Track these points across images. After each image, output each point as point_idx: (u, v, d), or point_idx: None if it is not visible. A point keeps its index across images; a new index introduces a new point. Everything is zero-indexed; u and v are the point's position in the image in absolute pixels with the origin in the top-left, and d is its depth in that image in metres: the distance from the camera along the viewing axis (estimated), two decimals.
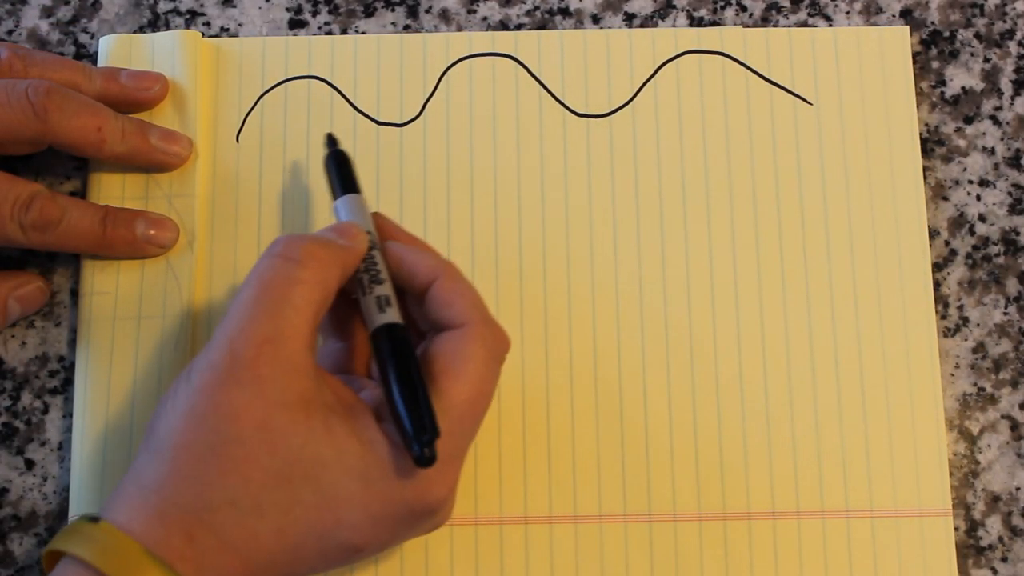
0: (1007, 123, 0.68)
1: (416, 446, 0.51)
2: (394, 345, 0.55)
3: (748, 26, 0.69)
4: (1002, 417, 0.65)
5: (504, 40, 0.69)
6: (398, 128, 0.67)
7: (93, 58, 0.69)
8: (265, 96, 0.68)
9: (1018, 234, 0.67)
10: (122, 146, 0.64)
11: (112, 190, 0.66)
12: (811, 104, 0.68)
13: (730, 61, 0.68)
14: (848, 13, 0.69)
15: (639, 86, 0.68)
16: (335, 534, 0.53)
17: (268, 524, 0.52)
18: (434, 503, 0.54)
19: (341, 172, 0.61)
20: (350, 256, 0.56)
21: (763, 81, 0.68)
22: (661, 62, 0.68)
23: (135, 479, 0.52)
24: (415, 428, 0.52)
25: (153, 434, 0.53)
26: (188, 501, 0.51)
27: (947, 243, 0.67)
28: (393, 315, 0.55)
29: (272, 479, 0.52)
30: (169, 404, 0.53)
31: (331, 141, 0.62)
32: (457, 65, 0.68)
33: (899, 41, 0.68)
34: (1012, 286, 0.66)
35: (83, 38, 0.70)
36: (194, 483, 0.51)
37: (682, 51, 0.68)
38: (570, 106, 0.68)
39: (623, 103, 0.68)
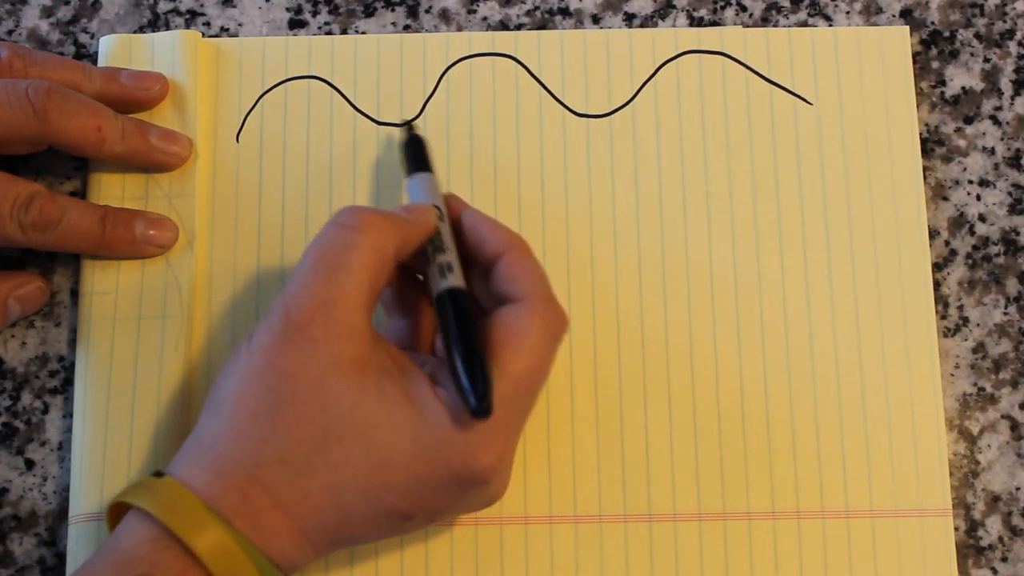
0: (1007, 123, 0.68)
1: (472, 398, 0.52)
2: (455, 306, 0.56)
3: (748, 26, 0.69)
4: (1002, 417, 0.65)
5: (504, 40, 0.69)
6: (398, 128, 0.67)
7: (93, 58, 0.69)
8: (265, 96, 0.68)
9: (1018, 234, 0.67)
10: (122, 146, 0.64)
11: (112, 190, 0.66)
12: (811, 104, 0.68)
13: (730, 61, 0.68)
14: (848, 13, 0.69)
15: (639, 86, 0.68)
16: (383, 497, 0.54)
17: (317, 483, 0.53)
18: (481, 471, 0.54)
19: (416, 153, 0.63)
20: (411, 228, 0.57)
21: (763, 81, 0.68)
22: (661, 62, 0.68)
23: (196, 438, 0.55)
24: (471, 380, 0.53)
25: (214, 396, 0.55)
26: (242, 458, 0.53)
27: (947, 243, 0.67)
28: (455, 280, 0.57)
29: (323, 438, 0.53)
30: (230, 367, 0.55)
31: (408, 126, 0.65)
32: (457, 65, 0.68)
33: (899, 41, 0.68)
34: (1012, 286, 0.66)
35: (83, 38, 0.70)
36: (249, 440, 0.53)
37: (682, 51, 0.68)
38: (570, 106, 0.68)
39: (623, 103, 0.68)
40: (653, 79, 0.68)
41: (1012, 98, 0.69)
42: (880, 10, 0.70)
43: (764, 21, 0.69)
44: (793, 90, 0.68)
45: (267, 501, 0.53)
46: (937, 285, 0.66)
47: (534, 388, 0.56)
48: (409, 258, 0.58)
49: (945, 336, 0.66)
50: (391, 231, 0.56)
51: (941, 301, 0.66)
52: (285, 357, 0.53)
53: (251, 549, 0.52)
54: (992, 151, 0.68)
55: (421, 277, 0.60)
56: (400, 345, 0.59)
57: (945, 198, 0.68)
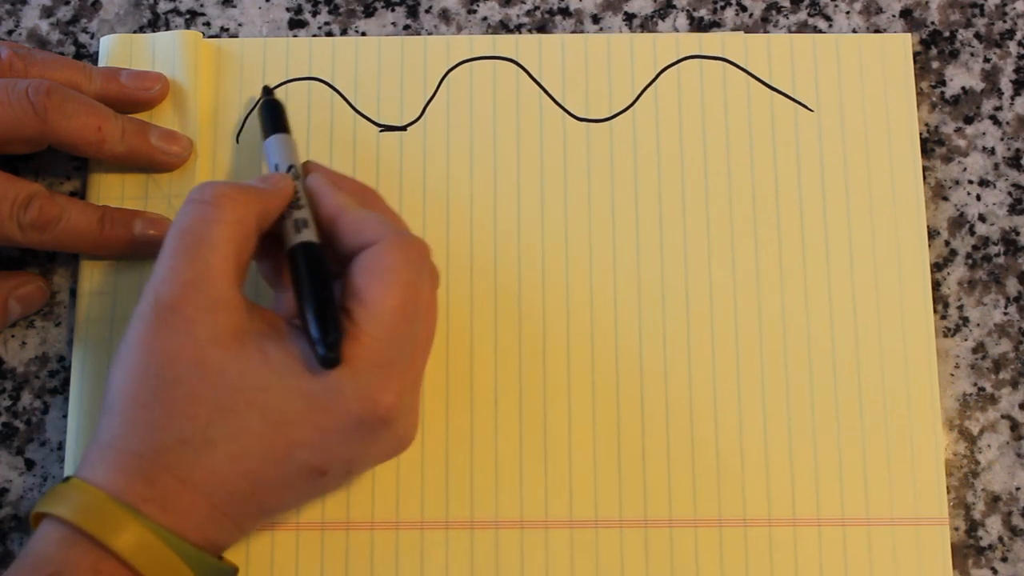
0: (1007, 123, 0.68)
1: (321, 347, 0.53)
2: (306, 259, 0.57)
3: (748, 26, 0.69)
4: (1002, 417, 0.65)
5: (505, 43, 0.69)
6: (398, 131, 0.67)
7: (93, 58, 0.69)
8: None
9: (1018, 234, 0.67)
10: (122, 146, 0.64)
11: (112, 190, 0.66)
12: (812, 110, 0.68)
13: (731, 66, 0.68)
14: (848, 13, 0.69)
15: (640, 91, 0.68)
16: (292, 456, 0.54)
17: (220, 455, 0.54)
18: (383, 412, 0.55)
19: (273, 115, 0.65)
20: (270, 197, 0.58)
21: (764, 87, 0.68)
22: (662, 67, 0.68)
23: (96, 440, 0.55)
24: (320, 331, 0.54)
25: (105, 395, 0.56)
26: (142, 448, 0.53)
27: (947, 243, 0.67)
28: (309, 236, 0.58)
29: (217, 413, 0.54)
30: (114, 364, 0.55)
31: (266, 91, 0.66)
32: (458, 68, 0.68)
33: (900, 48, 0.68)
34: (1012, 286, 0.66)
35: (83, 38, 0.70)
36: (144, 430, 0.54)
37: (683, 56, 0.68)
38: (570, 110, 0.68)
39: (624, 108, 0.68)
40: (654, 84, 0.68)
41: (1012, 98, 0.69)
42: (880, 10, 0.70)
43: (764, 21, 0.69)
44: (794, 96, 0.68)
45: (174, 483, 0.53)
46: (937, 285, 0.66)
47: (412, 318, 0.56)
48: (276, 228, 0.59)
49: (945, 336, 0.66)
50: (249, 202, 0.57)
51: (941, 301, 0.66)
52: (162, 342, 0.54)
53: (165, 533, 0.53)
54: (992, 151, 0.68)
55: None
56: (290, 316, 0.59)
57: (945, 198, 0.68)
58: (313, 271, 0.56)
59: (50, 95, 0.61)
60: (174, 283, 0.54)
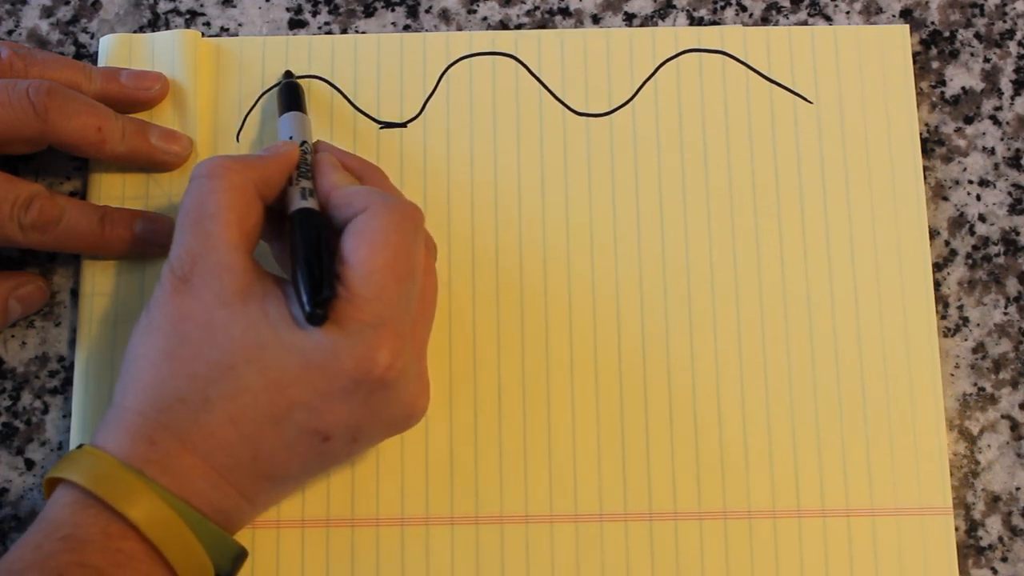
0: (1007, 123, 0.68)
1: (308, 304, 0.54)
2: (302, 223, 0.58)
3: (748, 26, 0.69)
4: (1002, 417, 0.65)
5: (504, 39, 0.69)
6: (398, 127, 0.67)
7: (93, 58, 0.69)
8: (265, 96, 0.68)
9: (1018, 234, 0.67)
10: (122, 146, 0.64)
11: (112, 190, 0.66)
12: (811, 103, 0.68)
13: (730, 60, 0.68)
14: (848, 13, 0.69)
15: (639, 85, 0.68)
16: (290, 417, 0.55)
17: (219, 416, 0.55)
18: (379, 371, 0.55)
19: (290, 95, 0.66)
20: (269, 163, 0.60)
21: (763, 80, 0.68)
22: (661, 61, 0.68)
23: (111, 405, 0.57)
24: (308, 290, 0.55)
25: (123, 365, 0.57)
26: (145, 407, 0.55)
27: (947, 243, 0.67)
28: (312, 204, 0.59)
29: (216, 370, 0.55)
30: (133, 334, 0.57)
31: (287, 75, 0.68)
32: (457, 64, 0.68)
33: (899, 40, 0.69)
34: (1012, 286, 0.66)
35: (83, 38, 0.70)
36: (149, 389, 0.55)
37: (682, 50, 0.68)
38: (570, 105, 0.68)
39: (623, 102, 0.68)
40: (653, 78, 0.68)
41: (1012, 98, 0.69)
42: (880, 10, 0.70)
43: (764, 21, 0.69)
44: (793, 89, 0.68)
45: (175, 444, 0.54)
46: (937, 285, 0.66)
47: (402, 278, 0.56)
48: (285, 203, 0.60)
49: (945, 336, 0.66)
50: (247, 169, 0.58)
51: (941, 301, 0.66)
52: (174, 306, 0.56)
53: (173, 500, 0.54)
54: (992, 151, 0.68)
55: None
56: None
57: (945, 198, 0.68)
58: (307, 234, 0.57)
59: (51, 95, 0.61)
60: (184, 256, 0.56)
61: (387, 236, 0.56)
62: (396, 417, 0.58)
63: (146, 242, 0.65)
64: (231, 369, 0.55)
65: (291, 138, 0.62)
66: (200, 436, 0.54)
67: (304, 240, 0.57)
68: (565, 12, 0.70)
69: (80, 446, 0.56)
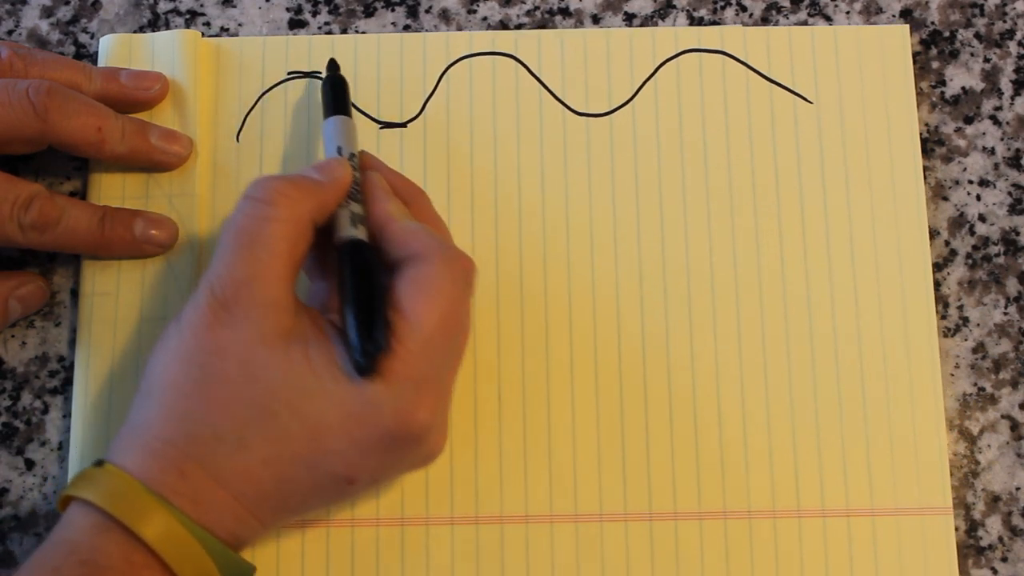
0: (1007, 123, 0.68)
1: (358, 354, 0.53)
2: (355, 259, 0.57)
3: (748, 26, 0.69)
4: (1002, 417, 0.65)
5: (504, 39, 0.69)
6: (399, 127, 0.67)
7: (93, 58, 0.69)
8: (265, 96, 0.68)
9: (1018, 234, 0.67)
10: (122, 146, 0.64)
11: (112, 190, 0.66)
12: (811, 103, 0.68)
13: (730, 60, 0.68)
14: (848, 13, 0.69)
15: (639, 85, 0.68)
16: (324, 463, 0.54)
17: (255, 457, 0.54)
18: (416, 429, 0.55)
19: (336, 93, 0.64)
20: (327, 190, 0.58)
21: (763, 80, 0.68)
22: (661, 61, 0.68)
23: (131, 422, 0.55)
24: (361, 337, 0.54)
25: (146, 378, 0.56)
26: (177, 437, 0.54)
27: (947, 243, 0.67)
28: (362, 233, 0.58)
29: (256, 413, 0.54)
30: (159, 348, 0.56)
31: (332, 66, 0.66)
32: (457, 64, 0.68)
33: (899, 40, 0.69)
34: (1012, 286, 0.66)
35: (83, 38, 0.70)
36: (182, 420, 0.54)
37: (682, 50, 0.68)
38: (570, 105, 0.68)
39: (623, 102, 0.68)
40: (653, 78, 0.68)
41: (1012, 98, 0.69)
42: (880, 10, 0.70)
43: (764, 21, 0.69)
44: (793, 89, 0.68)
45: (205, 478, 0.53)
46: (937, 285, 0.66)
47: (450, 335, 0.56)
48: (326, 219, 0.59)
49: (945, 336, 0.66)
50: (305, 198, 0.57)
51: (941, 301, 0.66)
52: (213, 335, 0.54)
53: (194, 527, 0.53)
54: (992, 151, 0.68)
55: None
56: (323, 308, 0.59)
57: (945, 198, 0.68)
58: (361, 273, 0.56)
59: (51, 95, 0.61)
60: (228, 280, 0.55)
61: (445, 292, 0.56)
62: (417, 462, 0.58)
63: (146, 242, 0.64)
64: (271, 413, 0.54)
65: (339, 150, 0.61)
66: (233, 474, 0.54)
67: (355, 279, 0.56)
68: (565, 12, 0.70)
69: (100, 462, 0.54)
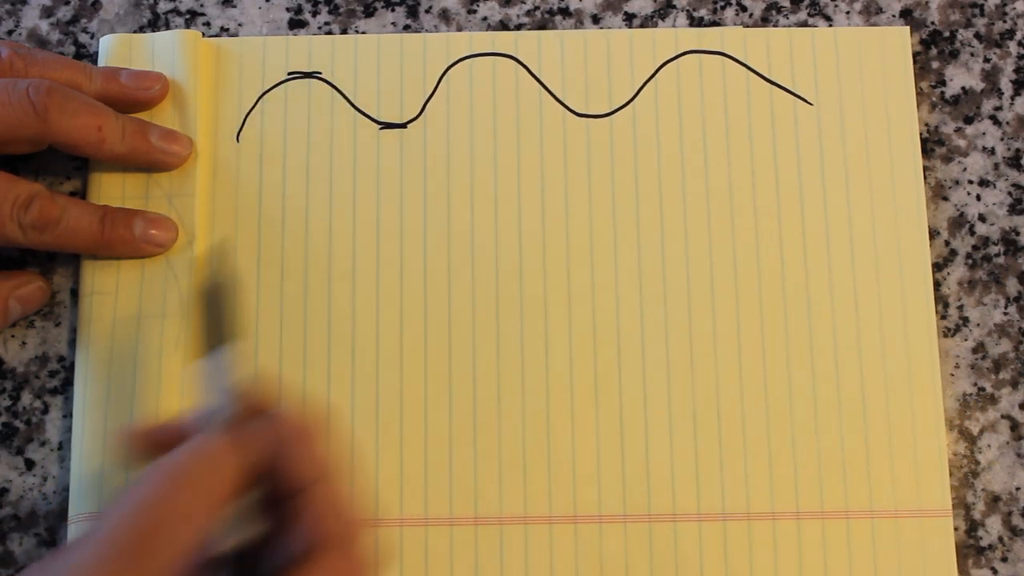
0: (1007, 123, 0.68)
1: None
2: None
3: (748, 26, 0.69)
4: (1002, 417, 0.65)
5: (504, 40, 0.69)
6: (398, 128, 0.67)
7: (93, 58, 0.69)
8: (265, 96, 0.68)
9: (1018, 234, 0.67)
10: (122, 146, 0.64)
11: (112, 190, 0.66)
12: (811, 104, 0.68)
13: (730, 61, 0.68)
14: (848, 13, 0.69)
15: (639, 86, 0.68)
16: None
17: None
18: None
19: (217, 313, 0.54)
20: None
21: (763, 81, 0.68)
22: (661, 62, 0.68)
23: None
24: None
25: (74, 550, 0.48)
26: None
27: (947, 243, 0.67)
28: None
29: None
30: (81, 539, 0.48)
31: (214, 265, 0.56)
32: (457, 65, 0.68)
33: (899, 41, 0.68)
34: (1012, 286, 0.66)
35: (83, 38, 0.70)
36: None
37: (682, 51, 0.68)
38: (570, 106, 0.68)
39: (623, 103, 0.68)
40: (653, 79, 0.68)
41: (1012, 98, 0.69)
42: (880, 10, 0.70)
43: (764, 21, 0.69)
44: (793, 90, 0.68)
45: None
46: (937, 285, 0.66)
47: None
48: None
49: (945, 336, 0.66)
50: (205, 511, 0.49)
51: (941, 301, 0.66)
52: None
53: None
54: (992, 151, 0.68)
55: None
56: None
57: (945, 198, 0.68)
58: None
59: (51, 94, 0.61)
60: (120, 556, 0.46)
61: None
62: None
63: (146, 242, 0.64)
64: None
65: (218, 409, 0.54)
66: None
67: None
68: (565, 12, 0.70)
69: None
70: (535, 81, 0.68)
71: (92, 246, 0.64)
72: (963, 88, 0.69)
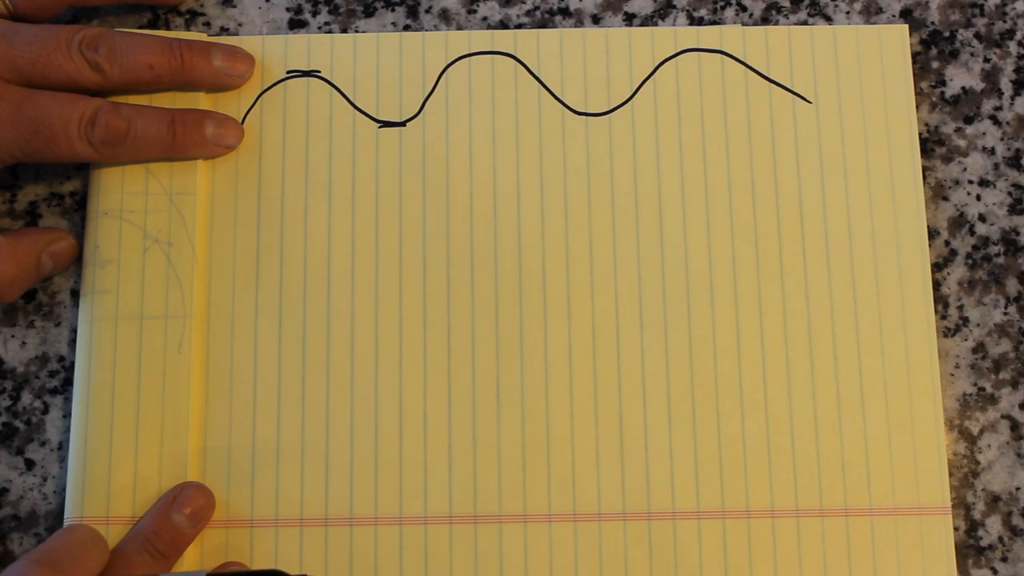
0: (1007, 123, 0.68)
1: None
2: None
3: (748, 26, 0.69)
4: (1002, 417, 0.65)
5: (503, 38, 0.69)
6: (398, 126, 0.68)
7: None
8: (265, 95, 0.68)
9: (1018, 234, 0.67)
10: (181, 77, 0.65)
11: (112, 188, 0.66)
12: (810, 102, 0.68)
13: (729, 59, 0.68)
14: (848, 13, 0.70)
15: (638, 84, 0.68)
16: None
17: None
18: None
19: None
20: None
21: (762, 79, 0.68)
22: (660, 60, 0.68)
23: None
24: None
25: None
26: None
27: (947, 243, 0.67)
28: None
29: None
30: None
31: None
32: (457, 63, 0.68)
33: (898, 39, 0.69)
34: (1012, 286, 0.66)
35: None
36: None
37: (681, 49, 0.68)
38: (569, 104, 0.68)
39: (622, 101, 0.68)
40: (652, 77, 0.68)
41: (1012, 98, 0.69)
42: (880, 10, 0.70)
43: (764, 21, 0.69)
44: (792, 88, 0.68)
45: None
46: (937, 285, 0.66)
47: None
48: None
49: (945, 336, 0.66)
50: None
51: (941, 301, 0.66)
52: None
53: None
54: (992, 151, 0.68)
55: None
56: None
57: (945, 198, 0.68)
58: None
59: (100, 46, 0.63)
60: None
61: None
62: None
63: (217, 143, 0.65)
64: None
65: None
66: None
67: None
68: (565, 12, 0.70)
69: None
70: (534, 79, 0.68)
71: (165, 152, 0.65)
72: (963, 88, 0.69)
